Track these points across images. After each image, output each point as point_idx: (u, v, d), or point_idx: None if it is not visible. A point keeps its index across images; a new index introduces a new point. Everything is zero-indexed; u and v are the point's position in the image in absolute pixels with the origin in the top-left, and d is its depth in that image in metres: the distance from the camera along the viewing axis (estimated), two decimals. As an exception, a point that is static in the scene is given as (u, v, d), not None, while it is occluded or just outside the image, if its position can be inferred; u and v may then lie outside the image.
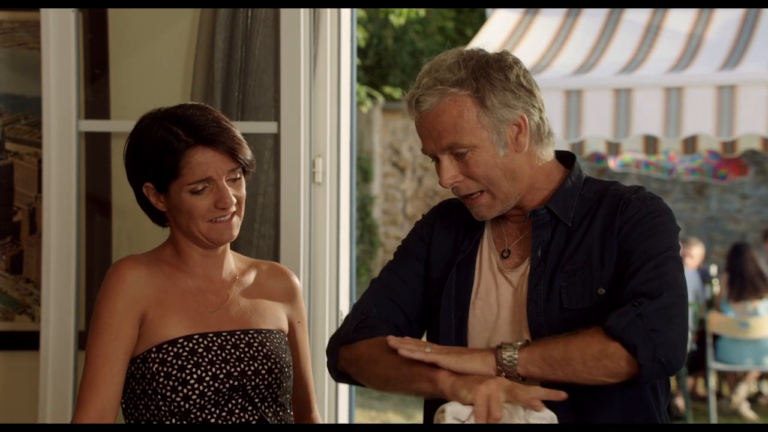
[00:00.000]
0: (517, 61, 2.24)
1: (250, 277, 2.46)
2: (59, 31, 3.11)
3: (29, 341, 3.22)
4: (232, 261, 2.45)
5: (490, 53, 2.24)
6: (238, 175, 2.34)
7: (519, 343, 2.08)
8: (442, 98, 2.17)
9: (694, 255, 8.77)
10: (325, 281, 3.25)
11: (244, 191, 2.37)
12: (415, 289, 2.35)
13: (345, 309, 3.37)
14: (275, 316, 2.45)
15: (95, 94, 3.30)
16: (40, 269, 3.14)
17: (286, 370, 2.39)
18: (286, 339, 2.46)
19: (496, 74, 2.19)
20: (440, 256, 2.35)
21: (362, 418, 8.31)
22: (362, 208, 14.28)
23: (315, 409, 2.56)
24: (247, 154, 2.35)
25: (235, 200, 2.33)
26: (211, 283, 2.40)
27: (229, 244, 2.42)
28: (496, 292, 2.26)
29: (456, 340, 2.27)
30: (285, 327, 2.47)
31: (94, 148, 3.29)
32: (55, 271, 3.10)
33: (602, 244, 2.19)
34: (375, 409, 8.58)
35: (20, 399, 3.27)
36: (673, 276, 2.13)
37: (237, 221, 2.36)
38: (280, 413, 2.39)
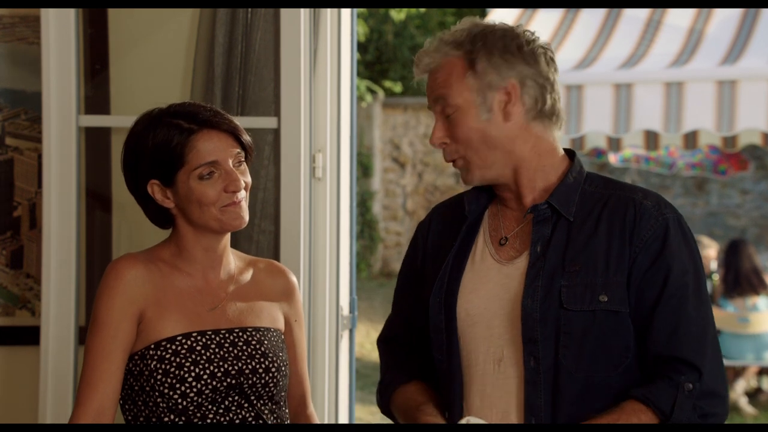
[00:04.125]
0: (528, 39, 2.22)
1: (248, 275, 2.45)
2: (59, 26, 3.10)
3: (29, 336, 3.22)
4: (231, 260, 2.44)
5: (506, 26, 2.24)
6: (242, 160, 2.35)
7: None
8: (437, 57, 2.22)
9: (710, 256, 8.72)
10: (325, 277, 3.25)
11: (249, 178, 2.37)
12: (414, 307, 2.37)
13: (345, 304, 3.37)
14: (272, 315, 2.44)
15: (95, 89, 3.30)
16: (40, 264, 3.14)
17: (283, 368, 2.39)
18: (283, 337, 2.45)
19: (496, 41, 2.19)
20: (434, 256, 2.34)
21: (362, 413, 8.32)
22: (362, 203, 14.29)
23: (310, 405, 2.56)
24: (248, 137, 2.37)
25: (243, 184, 2.33)
26: (209, 282, 2.39)
27: (229, 243, 2.42)
28: (489, 285, 2.24)
29: (446, 336, 2.27)
30: (281, 326, 2.46)
31: (95, 143, 3.29)
32: (55, 267, 3.10)
33: (608, 248, 2.17)
34: (375, 404, 8.58)
35: (20, 394, 3.27)
36: (712, 327, 2.17)
37: (246, 206, 2.36)
38: (276, 410, 2.39)
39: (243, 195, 2.34)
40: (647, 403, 2.11)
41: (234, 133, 2.34)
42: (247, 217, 2.35)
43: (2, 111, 3.30)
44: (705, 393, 2.12)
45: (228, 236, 2.40)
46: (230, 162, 2.32)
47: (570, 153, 2.31)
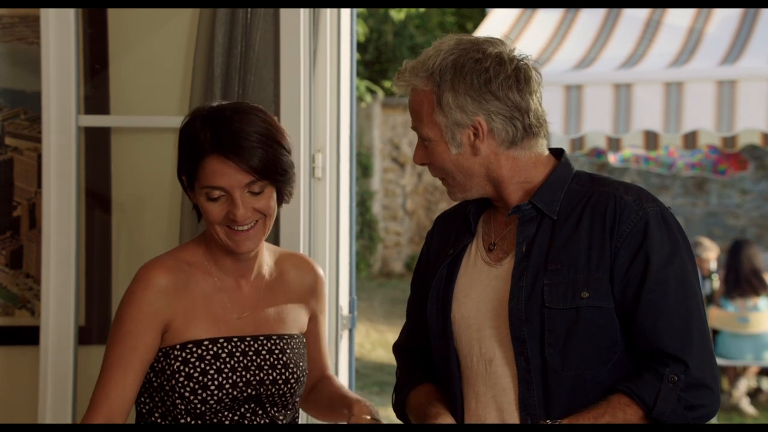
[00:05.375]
0: (501, 65, 2.18)
1: (278, 274, 2.45)
2: (59, 26, 3.10)
3: (29, 336, 3.22)
4: (265, 263, 2.42)
5: (481, 51, 2.19)
6: (260, 189, 2.28)
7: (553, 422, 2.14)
8: (409, 86, 2.23)
9: (710, 258, 8.71)
10: (324, 276, 3.24)
11: (270, 203, 2.30)
12: (422, 314, 2.37)
13: (344, 304, 3.37)
14: (298, 320, 2.46)
15: (95, 89, 3.30)
16: (39, 264, 3.14)
17: (302, 378, 2.41)
18: (304, 341, 2.46)
19: (464, 77, 2.17)
20: (434, 265, 2.36)
21: (362, 413, 8.30)
22: (362, 203, 14.29)
23: (329, 370, 2.60)
24: (275, 169, 2.28)
25: (248, 214, 2.27)
26: (239, 285, 2.38)
27: (263, 246, 2.40)
28: (480, 288, 2.26)
29: (442, 340, 2.29)
30: (305, 327, 2.49)
31: (94, 143, 3.29)
32: (54, 266, 3.09)
33: (589, 245, 2.17)
34: (375, 404, 8.58)
35: (20, 394, 3.27)
36: (699, 320, 2.18)
37: (258, 233, 2.31)
38: (289, 415, 2.41)
39: (249, 224, 2.29)
40: (631, 395, 2.12)
41: (253, 169, 2.25)
42: (255, 243, 2.32)
43: (2, 111, 3.30)
44: (692, 385, 2.12)
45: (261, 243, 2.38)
46: (239, 191, 2.26)
47: (557, 151, 2.31)
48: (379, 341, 10.88)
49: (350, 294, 3.42)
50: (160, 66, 3.31)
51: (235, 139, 2.25)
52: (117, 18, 3.29)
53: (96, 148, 3.29)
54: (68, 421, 3.05)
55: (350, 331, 3.43)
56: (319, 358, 2.56)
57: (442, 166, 2.23)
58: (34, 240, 3.29)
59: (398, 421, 2.45)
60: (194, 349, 2.30)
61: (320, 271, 2.55)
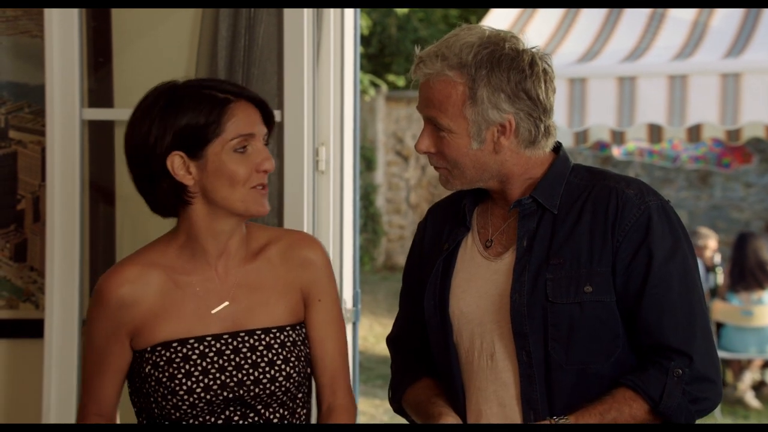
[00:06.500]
0: (533, 65, 2.17)
1: (265, 257, 2.25)
2: (62, 20, 3.10)
3: (33, 329, 3.22)
4: (246, 245, 2.25)
5: (513, 48, 2.17)
6: (266, 144, 2.21)
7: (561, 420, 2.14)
8: (438, 75, 2.16)
9: (709, 247, 8.71)
10: (328, 256, 3.24)
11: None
12: (416, 307, 2.35)
13: (348, 298, 3.37)
14: (286, 308, 2.25)
15: (99, 82, 3.30)
16: (44, 257, 3.15)
17: (294, 374, 2.22)
18: (300, 330, 2.26)
19: (501, 73, 2.14)
20: (428, 258, 2.34)
21: (366, 405, 8.32)
22: (366, 196, 14.29)
23: (339, 393, 2.29)
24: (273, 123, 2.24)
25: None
26: (218, 274, 2.22)
27: (244, 228, 2.25)
28: (479, 282, 2.25)
29: (442, 335, 2.28)
30: (298, 316, 2.27)
31: (98, 136, 3.29)
32: (58, 259, 3.10)
33: (591, 239, 2.17)
34: (379, 398, 8.59)
35: (24, 387, 3.27)
36: (701, 314, 2.17)
37: (267, 194, 2.21)
38: (295, 415, 2.26)
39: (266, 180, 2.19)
40: (637, 390, 2.13)
41: (267, 115, 2.20)
42: (268, 207, 2.20)
43: (6, 104, 3.30)
44: (696, 378, 2.13)
45: (242, 223, 2.24)
46: (262, 140, 2.18)
47: (555, 145, 2.30)
48: (382, 334, 10.89)
49: (354, 287, 3.42)
50: (163, 59, 3.31)
51: (239, 87, 2.21)
52: (120, 11, 3.29)
53: (100, 141, 3.30)
54: (72, 413, 3.06)
55: (354, 325, 3.43)
56: (323, 361, 2.28)
57: (456, 158, 2.19)
58: (38, 233, 3.29)
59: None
60: (163, 352, 2.17)
61: (317, 251, 2.30)
